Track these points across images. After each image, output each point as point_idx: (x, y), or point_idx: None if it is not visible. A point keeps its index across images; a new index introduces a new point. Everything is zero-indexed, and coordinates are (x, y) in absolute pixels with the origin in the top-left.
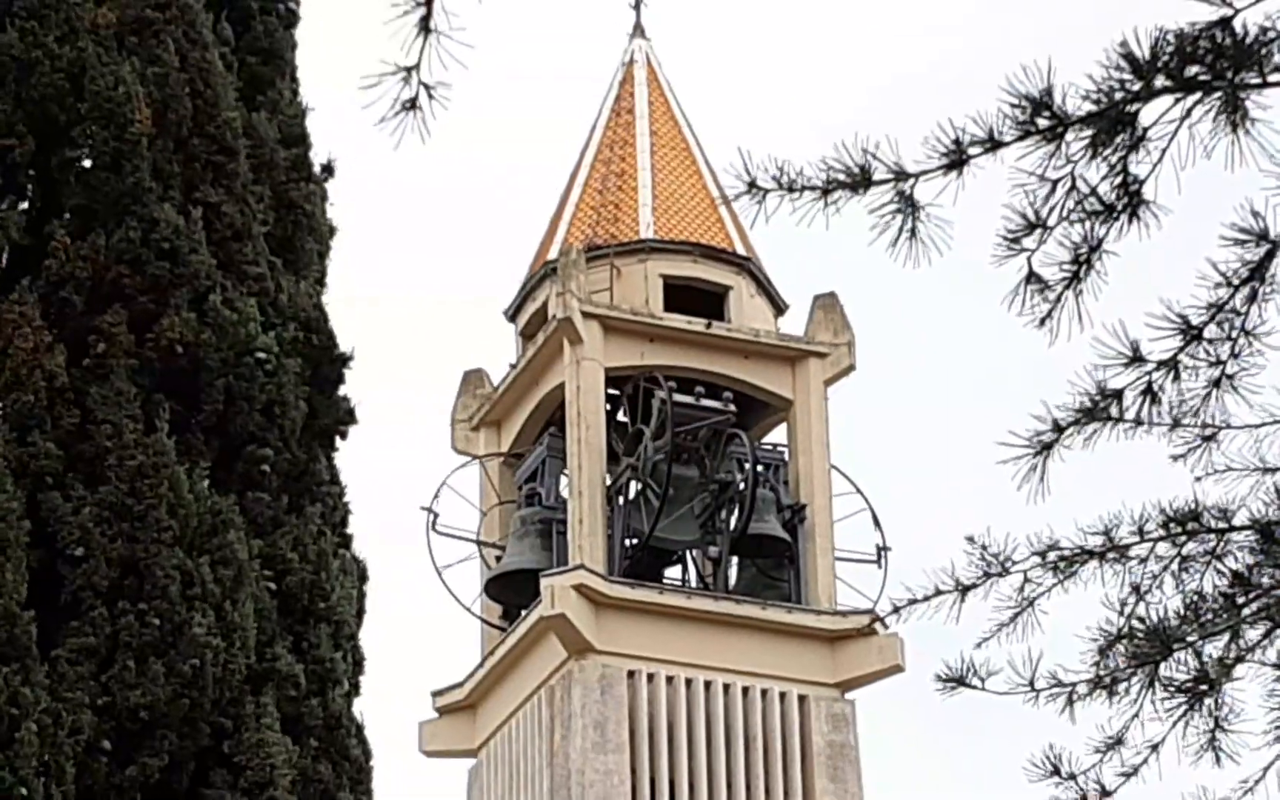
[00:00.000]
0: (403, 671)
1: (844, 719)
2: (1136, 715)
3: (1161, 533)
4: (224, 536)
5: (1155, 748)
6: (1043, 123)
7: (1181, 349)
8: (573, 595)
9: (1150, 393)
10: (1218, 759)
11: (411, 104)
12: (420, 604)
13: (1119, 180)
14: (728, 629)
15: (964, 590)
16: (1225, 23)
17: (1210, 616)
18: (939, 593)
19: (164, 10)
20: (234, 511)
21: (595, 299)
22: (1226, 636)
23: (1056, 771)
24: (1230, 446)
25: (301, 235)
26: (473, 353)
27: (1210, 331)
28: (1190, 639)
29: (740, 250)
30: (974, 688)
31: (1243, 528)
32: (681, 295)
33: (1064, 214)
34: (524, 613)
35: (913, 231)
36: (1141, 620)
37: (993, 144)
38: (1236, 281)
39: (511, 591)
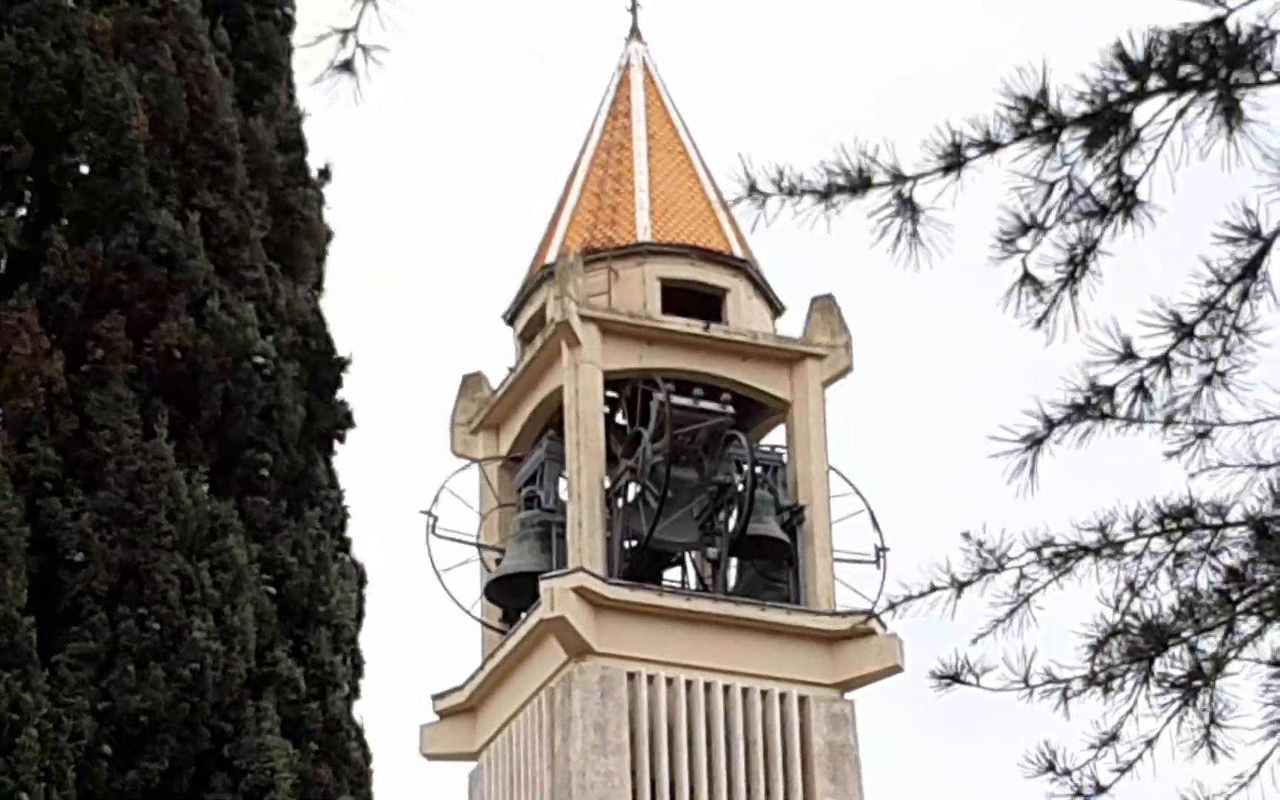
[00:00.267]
0: (403, 675)
1: (844, 719)
2: (1131, 711)
3: (1156, 529)
4: (223, 541)
5: (1150, 743)
6: (1039, 124)
7: (1174, 346)
8: (572, 598)
9: (1142, 390)
10: (1212, 754)
11: (347, 65)
12: (420, 607)
13: (1113, 181)
14: (727, 630)
15: (960, 587)
16: (1219, 22)
17: (1205, 612)
18: (934, 589)
19: (161, 16)
20: (233, 516)
21: (593, 302)
22: (1221, 632)
23: (1051, 768)
24: (1224, 443)
25: (299, 240)
26: (471, 356)
27: (1202, 329)
28: (1185, 635)
29: (738, 252)
30: (969, 684)
31: (1237, 524)
32: (679, 298)
33: (1060, 215)
34: (524, 615)
35: (914, 234)
36: (1136, 616)
37: (990, 146)
38: (1229, 279)
39: (511, 594)
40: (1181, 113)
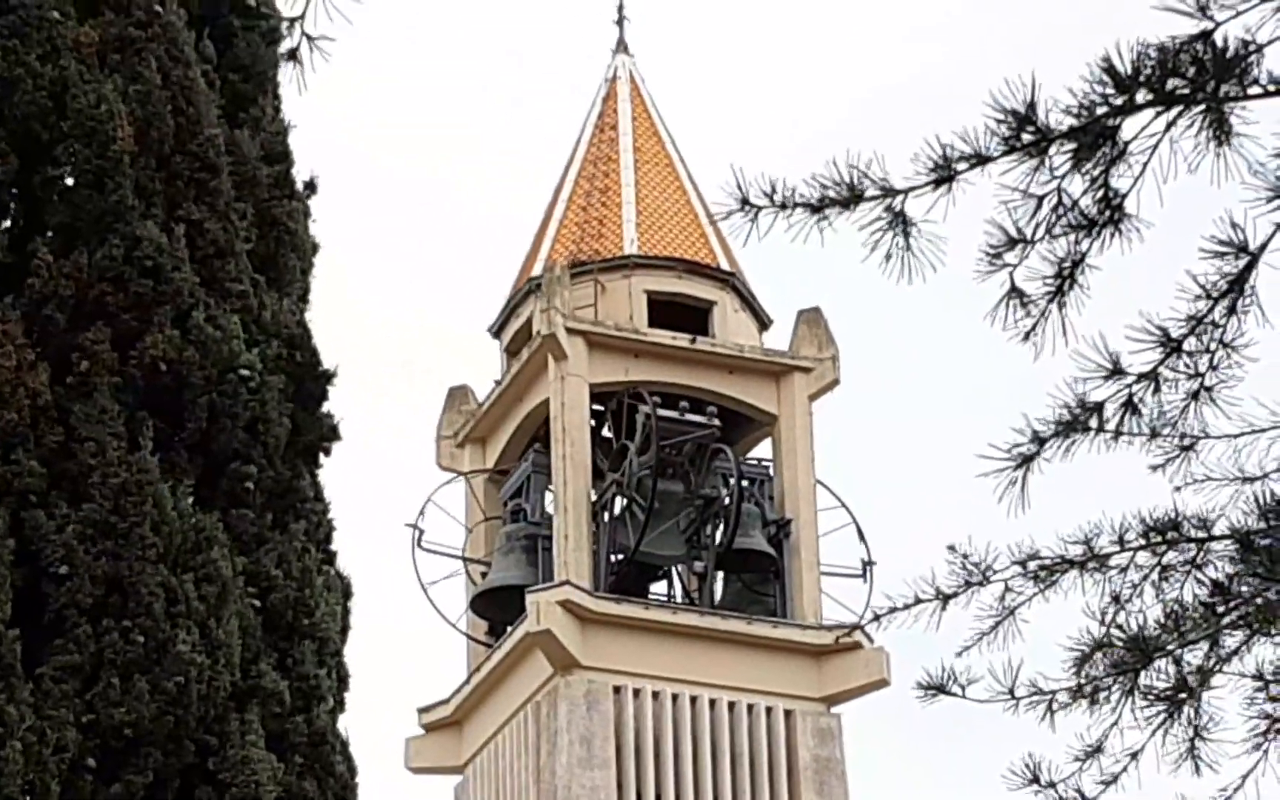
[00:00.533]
0: (388, 688)
1: (830, 733)
2: (1116, 723)
3: (1142, 542)
4: (208, 554)
5: (1135, 756)
6: (1027, 138)
7: (1161, 361)
8: (558, 611)
9: (1131, 405)
10: (1197, 767)
11: (292, 55)
12: (406, 620)
13: (1101, 194)
14: (713, 644)
15: (945, 599)
16: (1206, 36)
17: (1190, 626)
18: (920, 601)
19: (146, 28)
20: (218, 529)
21: (579, 315)
22: (1206, 645)
23: (1036, 779)
24: (1209, 456)
25: (284, 252)
26: (457, 369)
27: (1190, 344)
28: (1170, 648)
29: (724, 265)
30: (954, 695)
31: (1222, 537)
32: (666, 311)
33: (1047, 229)
34: (510, 629)
35: (906, 247)
36: (1121, 629)
37: (979, 159)
38: (1216, 294)
39: (497, 608)
40: (1169, 126)
